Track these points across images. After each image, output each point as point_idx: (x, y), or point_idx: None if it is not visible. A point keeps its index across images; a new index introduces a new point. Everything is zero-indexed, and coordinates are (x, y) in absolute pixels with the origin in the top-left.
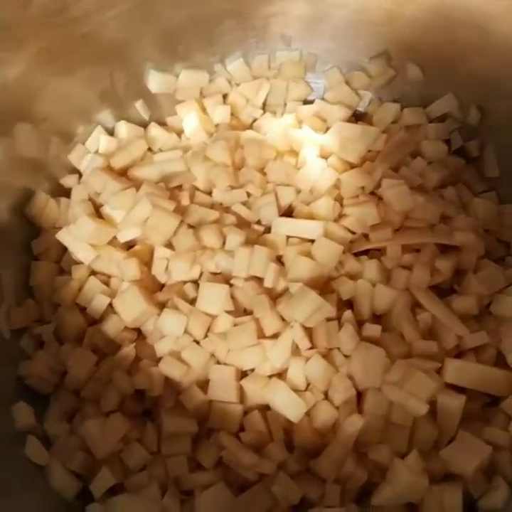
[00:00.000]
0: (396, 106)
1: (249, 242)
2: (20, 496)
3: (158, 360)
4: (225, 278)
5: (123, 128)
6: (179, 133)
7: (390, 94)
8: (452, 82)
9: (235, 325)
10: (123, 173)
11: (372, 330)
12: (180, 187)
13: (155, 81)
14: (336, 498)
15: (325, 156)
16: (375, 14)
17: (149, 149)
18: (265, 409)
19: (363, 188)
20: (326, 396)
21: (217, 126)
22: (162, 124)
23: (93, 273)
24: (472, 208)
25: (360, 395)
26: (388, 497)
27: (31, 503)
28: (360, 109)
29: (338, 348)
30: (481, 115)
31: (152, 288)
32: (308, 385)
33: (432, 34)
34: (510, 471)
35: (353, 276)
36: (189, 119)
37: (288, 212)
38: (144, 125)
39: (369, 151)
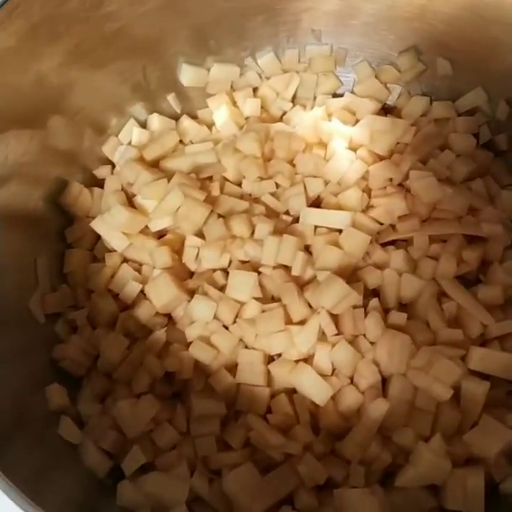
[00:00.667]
0: (425, 99)
1: (277, 232)
2: (54, 474)
3: (188, 344)
4: (253, 266)
5: (155, 120)
6: (210, 125)
7: (419, 88)
8: (481, 77)
9: (263, 311)
10: (155, 165)
11: (398, 318)
12: (210, 178)
13: (187, 75)
14: (360, 479)
15: (354, 148)
16: (406, 9)
17: (181, 141)
18: (292, 392)
19: (391, 179)
20: (352, 381)
21: (247, 119)
22: (193, 116)
23: (125, 260)
24: (500, 200)
25: (384, 381)
26: (412, 479)
27: (65, 480)
28: (390, 102)
29: (364, 335)
30: (510, 110)
31: (183, 276)
32: (334, 370)
33: (463, 30)
34: None
35: (380, 266)
36: (220, 112)
37: (316, 203)
38: (176, 118)
39: (398, 143)
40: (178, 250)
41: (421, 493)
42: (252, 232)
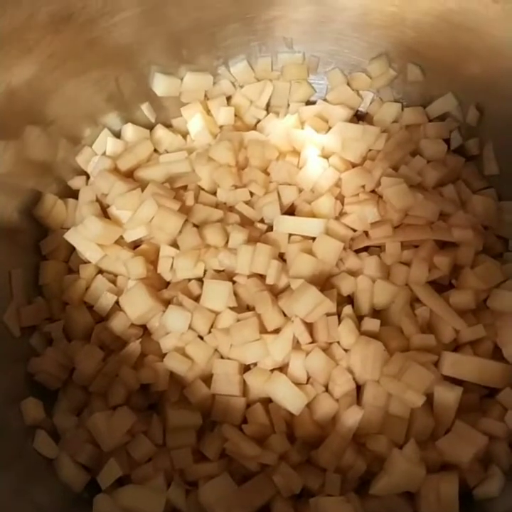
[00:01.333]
0: (397, 106)
1: (252, 240)
2: (30, 489)
3: (163, 355)
4: (228, 275)
5: (129, 130)
6: (184, 134)
7: (390, 94)
8: (452, 83)
9: (238, 320)
10: (129, 175)
11: (372, 324)
12: (185, 187)
13: (160, 84)
14: (336, 487)
15: (326, 156)
16: (376, 17)
17: (155, 151)
18: (267, 402)
19: (363, 186)
20: (326, 389)
21: (221, 127)
22: (168, 126)
23: (100, 272)
24: (471, 204)
25: (359, 388)
26: (386, 486)
27: (41, 496)
28: (362, 109)
29: (338, 342)
30: (480, 115)
31: (158, 286)
32: (308, 378)
33: (433, 37)
34: (506, 460)
35: (354, 273)
36: (194, 121)
37: (290, 211)
38: (150, 127)
39: (370, 150)
40: (153, 261)
41: (396, 500)
42: (227, 241)
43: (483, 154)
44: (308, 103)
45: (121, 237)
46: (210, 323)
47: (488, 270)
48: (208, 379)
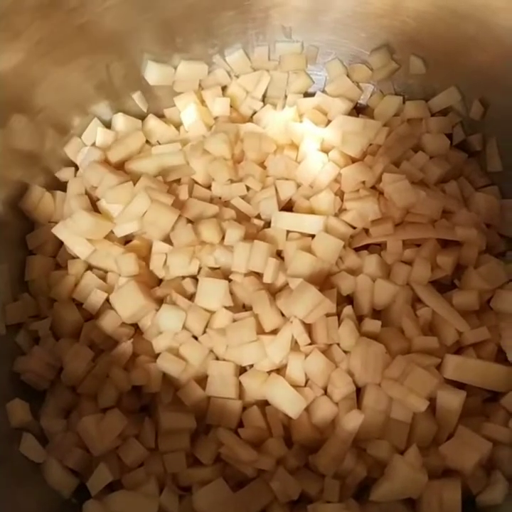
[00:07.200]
0: (398, 99)
1: (248, 237)
2: (16, 494)
3: (156, 356)
4: (224, 273)
5: (120, 120)
6: (177, 125)
7: (391, 87)
8: (455, 76)
9: (234, 321)
10: (120, 167)
11: (372, 325)
12: (178, 181)
13: (153, 73)
14: (335, 493)
15: (326, 150)
16: (377, 6)
17: (147, 142)
18: (264, 405)
19: (363, 182)
20: (326, 392)
21: (216, 118)
22: (160, 116)
23: (89, 268)
24: (474, 202)
25: (359, 391)
26: (387, 492)
27: (28, 501)
28: (362, 102)
29: (338, 344)
30: (484, 109)
31: (150, 283)
32: (307, 380)
33: (435, 27)
34: (510, 466)
35: (354, 272)
36: (188, 112)
37: (288, 207)
38: (142, 117)
39: (370, 144)
40: (145, 257)
41: (397, 506)
42: (223, 238)
43: (486, 150)
44: (306, 95)
45: (112, 232)
46: (205, 322)
47: (492, 270)
48: (202, 381)
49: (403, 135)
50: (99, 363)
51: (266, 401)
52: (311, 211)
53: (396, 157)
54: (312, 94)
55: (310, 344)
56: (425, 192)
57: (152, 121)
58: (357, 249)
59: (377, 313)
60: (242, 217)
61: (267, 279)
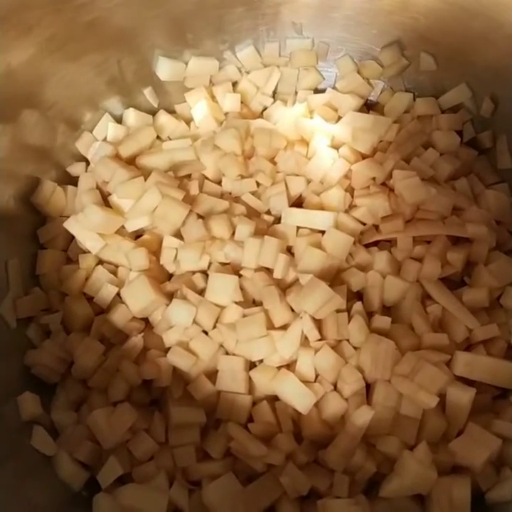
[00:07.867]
0: (408, 96)
1: (258, 233)
2: (27, 487)
3: (167, 350)
4: (234, 269)
5: (131, 115)
6: (188, 121)
7: (402, 83)
8: (465, 73)
9: (244, 316)
10: (131, 162)
11: (382, 322)
12: (189, 176)
13: (164, 68)
14: (344, 489)
15: (336, 146)
16: (387, 3)
17: (158, 137)
18: (274, 400)
19: (374, 178)
20: (335, 387)
21: (226, 114)
22: (171, 111)
23: (100, 262)
24: (484, 199)
25: (369, 387)
26: (396, 488)
27: (38, 494)
28: (372, 98)
29: (348, 340)
30: (495, 106)
31: (160, 278)
32: (317, 376)
33: (446, 24)
34: None
35: (364, 268)
36: (198, 107)
37: (298, 203)
38: (153, 113)
39: (380, 141)
40: (155, 251)
41: (406, 502)
42: (233, 233)
43: (497, 147)
44: (317, 91)
45: (123, 227)
46: (215, 317)
47: (502, 267)
48: (212, 375)
49: (413, 132)
50: (109, 357)
51: (276, 396)
52: (321, 207)
53: (406, 154)
54: (322, 91)
55: (320, 340)
56: (435, 189)
57: (163, 117)
58: (367, 246)
59: (387, 310)
60: (252, 213)
61: (277, 274)
